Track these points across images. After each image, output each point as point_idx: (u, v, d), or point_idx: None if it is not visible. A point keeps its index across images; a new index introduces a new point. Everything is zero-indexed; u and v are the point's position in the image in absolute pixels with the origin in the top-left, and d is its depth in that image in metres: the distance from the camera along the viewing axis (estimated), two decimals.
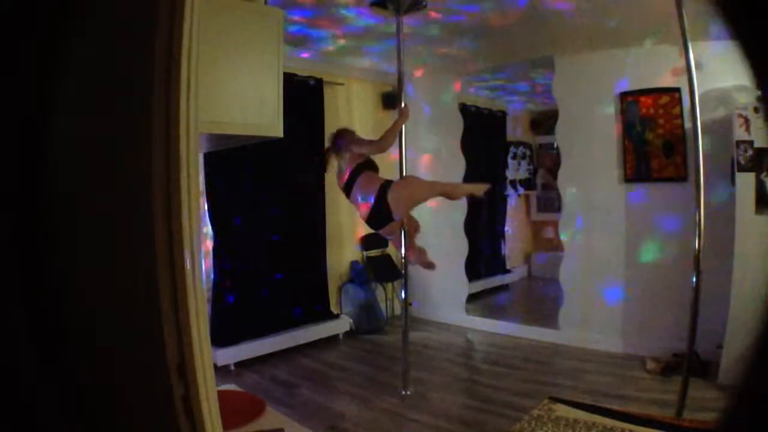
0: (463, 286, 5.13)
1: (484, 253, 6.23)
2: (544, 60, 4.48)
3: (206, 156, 3.72)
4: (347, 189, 3.14)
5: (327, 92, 4.66)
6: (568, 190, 4.30)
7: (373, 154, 3.23)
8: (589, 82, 4.13)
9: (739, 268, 3.13)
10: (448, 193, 3.22)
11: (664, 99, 3.77)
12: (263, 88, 1.40)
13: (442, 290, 5.18)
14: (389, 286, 5.17)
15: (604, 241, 4.10)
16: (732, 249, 3.17)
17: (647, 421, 1.93)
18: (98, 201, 0.82)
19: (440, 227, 5.00)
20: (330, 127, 4.72)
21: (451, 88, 5.07)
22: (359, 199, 3.09)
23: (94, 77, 0.81)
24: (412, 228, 3.29)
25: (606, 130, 4.06)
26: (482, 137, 6.05)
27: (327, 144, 3.34)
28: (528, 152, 7.31)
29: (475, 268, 5.67)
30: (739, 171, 3.15)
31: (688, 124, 3.59)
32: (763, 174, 3.10)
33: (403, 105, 3.24)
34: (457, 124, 5.07)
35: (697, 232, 2.37)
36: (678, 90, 3.67)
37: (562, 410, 2.06)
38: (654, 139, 3.84)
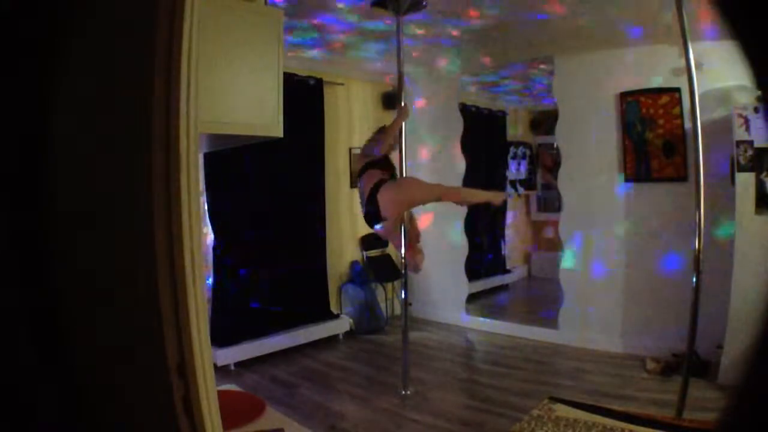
0: (463, 286, 5.13)
1: (484, 253, 6.23)
2: (544, 60, 4.48)
3: (206, 156, 3.72)
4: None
5: (327, 92, 4.66)
6: (568, 190, 4.31)
7: (373, 153, 3.25)
8: (589, 82, 4.13)
9: (739, 268, 3.13)
10: (460, 198, 3.21)
11: (664, 99, 3.77)
12: (263, 88, 1.40)
13: (442, 290, 5.18)
14: (389, 286, 5.17)
15: (604, 240, 4.10)
16: (732, 249, 3.17)
17: (647, 421, 1.93)
18: (98, 201, 0.82)
19: (440, 227, 5.00)
20: (330, 127, 4.74)
21: (451, 87, 5.07)
22: (360, 197, 3.11)
23: (94, 77, 0.81)
24: (412, 233, 3.29)
25: (606, 130, 4.06)
26: (482, 137, 6.05)
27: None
28: (528, 152, 7.31)
29: (475, 268, 5.67)
30: (739, 171, 3.15)
31: (688, 124, 3.59)
32: (763, 174, 3.11)
33: (402, 104, 3.24)
34: (457, 124, 5.07)
35: (697, 232, 2.37)
36: (678, 90, 3.67)
37: (562, 410, 2.06)
38: (654, 139, 3.84)
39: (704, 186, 2.36)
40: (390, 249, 5.09)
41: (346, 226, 5.01)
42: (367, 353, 4.28)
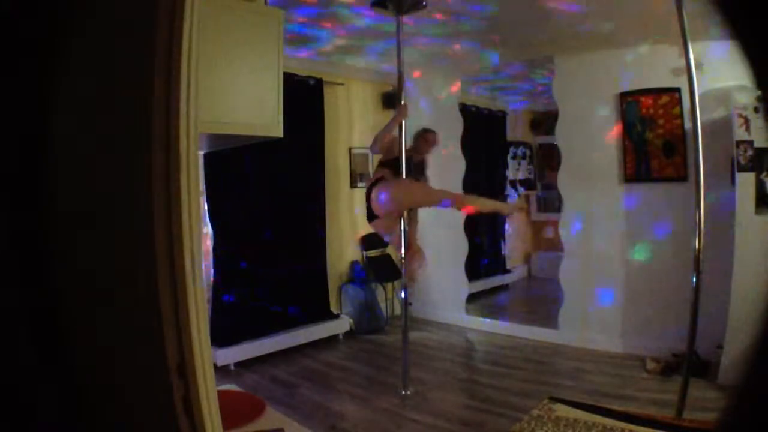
0: (463, 286, 5.13)
1: (484, 253, 6.23)
2: (544, 60, 4.48)
3: (206, 156, 3.72)
4: None
5: (327, 92, 4.66)
6: (568, 190, 4.31)
7: (373, 152, 3.34)
8: (589, 82, 4.13)
9: (739, 268, 3.13)
10: (463, 204, 3.23)
11: (664, 99, 3.77)
12: (263, 88, 1.40)
13: (442, 290, 5.18)
14: (389, 286, 5.17)
15: (604, 240, 4.10)
16: (732, 249, 3.17)
17: (647, 421, 1.93)
18: (98, 201, 0.82)
19: (440, 227, 5.00)
20: (330, 127, 4.74)
21: (451, 88, 5.07)
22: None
23: (94, 77, 0.81)
24: (411, 235, 3.30)
25: (606, 130, 4.06)
26: (482, 137, 6.05)
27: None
28: (528, 152, 7.31)
29: (475, 268, 5.67)
30: (739, 171, 3.15)
31: (688, 124, 3.59)
32: (763, 174, 3.11)
33: (402, 103, 3.24)
34: (457, 124, 5.07)
35: (697, 232, 2.37)
36: (678, 90, 3.67)
37: (562, 410, 2.06)
38: (654, 139, 3.84)
39: (704, 186, 2.36)
40: (390, 249, 5.09)
41: (346, 226, 5.01)
42: (367, 353, 4.28)
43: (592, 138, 4.14)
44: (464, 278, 5.12)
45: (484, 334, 4.74)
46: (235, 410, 1.46)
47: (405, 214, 3.26)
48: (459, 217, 5.03)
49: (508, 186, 6.96)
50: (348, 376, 3.78)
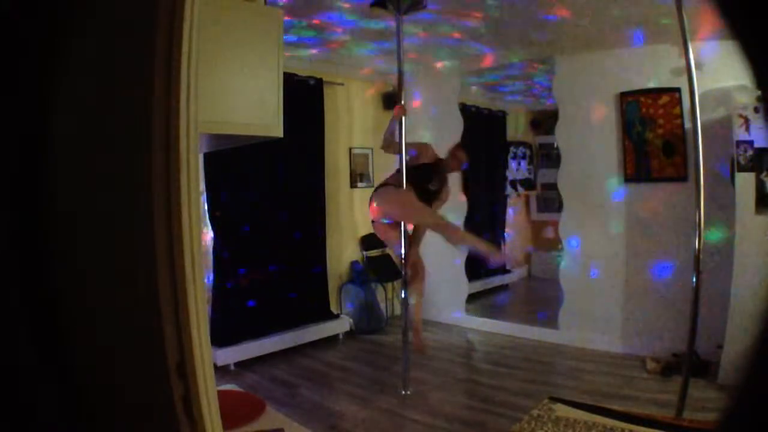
0: (463, 286, 5.13)
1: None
2: (544, 60, 4.48)
3: (206, 156, 3.72)
4: None
5: (327, 92, 4.66)
6: (568, 190, 4.31)
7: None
8: (589, 82, 4.13)
9: (739, 268, 3.13)
10: (442, 231, 3.24)
11: (664, 99, 3.77)
12: (263, 88, 1.40)
13: (442, 290, 5.18)
14: (389, 286, 5.17)
15: (604, 241, 4.10)
16: (732, 249, 3.17)
17: (647, 421, 1.93)
18: (98, 201, 0.82)
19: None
20: (330, 127, 4.74)
21: (451, 87, 5.07)
22: None
23: (94, 77, 0.81)
24: (411, 252, 3.31)
25: (606, 130, 4.06)
26: (482, 137, 6.05)
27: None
28: (528, 152, 7.31)
29: (475, 268, 5.67)
30: (739, 171, 3.15)
31: (688, 124, 3.59)
32: (763, 174, 3.10)
33: (402, 103, 3.24)
34: (457, 124, 5.07)
35: (697, 232, 2.37)
36: (678, 90, 3.67)
37: (562, 410, 2.06)
38: (654, 139, 3.84)
39: (704, 186, 2.36)
40: (390, 249, 5.09)
41: (346, 226, 5.01)
42: (367, 353, 4.28)
43: (592, 138, 4.14)
44: (464, 278, 5.12)
45: (484, 334, 4.74)
46: (235, 410, 1.46)
47: (411, 230, 3.29)
48: (459, 217, 5.03)
49: (508, 186, 6.96)
50: (348, 376, 3.78)
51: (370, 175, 5.19)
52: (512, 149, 7.04)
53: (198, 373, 0.76)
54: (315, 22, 3.51)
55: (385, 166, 5.19)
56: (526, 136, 7.36)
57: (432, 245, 4.61)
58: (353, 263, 5.01)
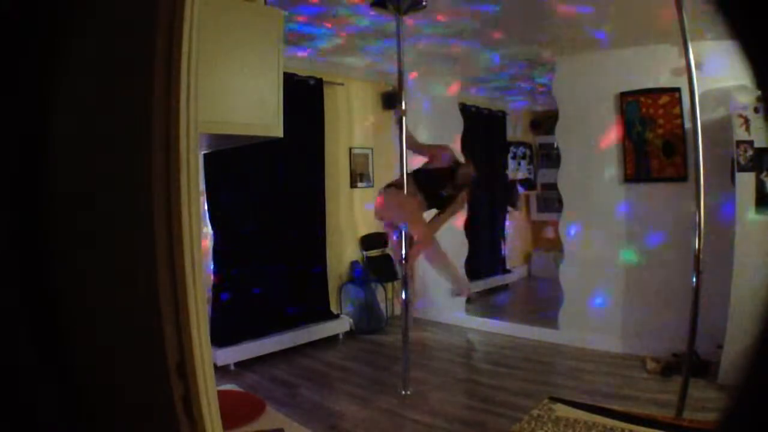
0: None
1: (484, 253, 6.23)
2: (544, 60, 4.48)
3: (206, 156, 3.72)
4: None
5: (327, 92, 4.66)
6: (568, 190, 4.31)
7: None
8: (589, 82, 4.13)
9: (739, 268, 3.13)
10: (427, 248, 3.27)
11: (664, 99, 3.77)
12: (263, 88, 1.40)
13: (442, 290, 5.17)
14: (389, 286, 5.17)
15: (604, 240, 4.10)
16: (732, 249, 3.17)
17: (647, 421, 1.93)
18: (98, 201, 0.82)
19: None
20: (330, 127, 4.75)
21: (450, 88, 5.07)
22: None
23: (94, 77, 0.81)
24: (410, 257, 3.32)
25: (606, 130, 4.06)
26: (482, 137, 6.05)
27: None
28: (528, 152, 7.32)
29: (475, 268, 5.67)
30: (739, 171, 3.15)
31: (688, 124, 3.59)
32: (763, 174, 3.11)
33: (403, 105, 3.24)
34: (457, 124, 5.07)
35: (697, 232, 2.37)
36: (678, 90, 3.67)
37: (562, 410, 2.06)
38: (654, 139, 3.84)
39: (704, 186, 2.36)
40: (390, 249, 5.09)
41: (346, 226, 5.01)
42: (367, 353, 4.28)
43: (592, 138, 4.14)
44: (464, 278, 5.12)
45: (484, 334, 4.74)
46: (235, 410, 1.46)
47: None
48: (459, 217, 5.03)
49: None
50: (348, 376, 3.78)
51: (370, 175, 5.19)
52: (512, 149, 7.04)
53: (198, 373, 0.76)
54: (316, 21, 3.51)
55: (385, 166, 5.19)
56: (526, 136, 7.36)
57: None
58: (353, 263, 5.01)
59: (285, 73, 1.50)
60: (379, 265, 5.08)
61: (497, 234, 6.65)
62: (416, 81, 5.19)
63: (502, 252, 6.75)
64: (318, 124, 4.58)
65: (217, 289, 3.95)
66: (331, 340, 4.51)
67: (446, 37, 3.96)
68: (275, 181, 4.29)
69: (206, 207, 3.90)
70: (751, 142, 3.12)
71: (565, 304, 4.32)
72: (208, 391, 0.78)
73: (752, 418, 0.38)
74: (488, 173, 6.28)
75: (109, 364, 0.83)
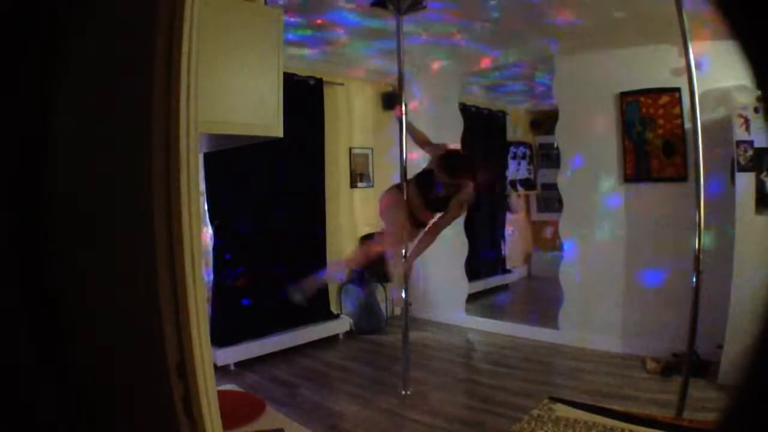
0: (463, 286, 5.12)
1: (484, 253, 6.23)
2: (544, 60, 4.48)
3: (206, 156, 3.72)
4: None
5: (327, 92, 4.66)
6: (568, 189, 4.30)
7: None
8: (589, 82, 4.13)
9: (739, 268, 3.13)
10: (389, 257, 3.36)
11: (664, 99, 3.77)
12: (263, 88, 1.40)
13: (442, 290, 5.18)
14: (389, 286, 5.16)
15: (603, 240, 4.10)
16: (732, 249, 3.17)
17: (647, 421, 1.93)
18: (98, 201, 0.82)
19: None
20: (330, 127, 4.75)
21: (451, 87, 5.07)
22: None
23: (94, 77, 0.81)
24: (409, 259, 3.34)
25: (606, 130, 4.06)
26: (482, 137, 6.05)
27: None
28: (528, 152, 7.32)
29: (475, 268, 5.67)
30: (739, 171, 3.15)
31: (688, 124, 3.59)
32: (763, 174, 3.10)
33: (403, 105, 3.25)
34: (457, 124, 5.07)
35: (697, 232, 2.37)
36: (678, 90, 3.67)
37: (562, 410, 2.06)
38: (654, 139, 3.84)
39: (704, 186, 2.36)
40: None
41: (346, 226, 5.01)
42: (367, 353, 4.28)
43: (592, 138, 4.14)
44: (464, 278, 5.12)
45: (484, 334, 4.74)
46: (235, 410, 1.46)
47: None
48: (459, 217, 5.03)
49: (508, 186, 6.96)
50: (348, 376, 3.78)
51: (370, 175, 5.19)
52: (512, 149, 7.04)
53: (198, 373, 0.76)
54: (316, 21, 3.51)
55: (385, 166, 5.19)
56: (526, 136, 7.36)
57: (432, 245, 4.61)
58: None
59: (285, 73, 1.50)
60: (379, 265, 5.07)
61: (497, 234, 6.64)
62: (416, 81, 5.19)
63: (502, 252, 6.75)
64: (318, 124, 4.58)
65: (217, 289, 3.95)
66: (331, 340, 4.51)
67: (446, 37, 3.96)
68: (275, 181, 4.29)
69: (206, 207, 3.90)
70: (751, 142, 3.11)
71: (565, 304, 4.31)
72: (208, 391, 0.78)
73: (752, 418, 0.38)
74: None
75: (109, 364, 0.83)
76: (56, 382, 0.82)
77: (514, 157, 7.08)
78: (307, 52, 4.27)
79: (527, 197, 7.45)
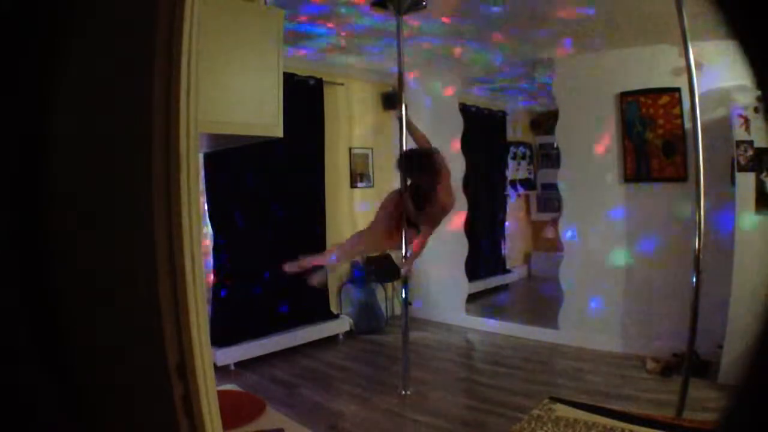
0: (463, 286, 5.12)
1: (484, 253, 6.23)
2: (544, 60, 4.48)
3: (206, 156, 3.72)
4: None
5: (327, 92, 4.66)
6: (568, 190, 4.31)
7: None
8: (589, 82, 4.13)
9: (739, 268, 3.13)
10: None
11: (664, 99, 3.77)
12: (263, 88, 1.40)
13: (442, 290, 5.18)
14: (389, 286, 5.17)
15: (604, 240, 4.10)
16: (732, 249, 3.17)
17: (647, 421, 1.93)
18: (98, 201, 0.82)
19: (440, 227, 4.99)
20: (330, 127, 4.75)
21: (450, 87, 5.07)
22: None
23: (94, 77, 0.81)
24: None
25: (606, 130, 4.06)
26: (482, 137, 6.05)
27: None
28: (528, 152, 7.32)
29: (475, 268, 5.67)
30: (739, 171, 3.15)
31: (688, 124, 3.59)
32: (763, 174, 3.11)
33: (403, 105, 3.24)
34: (457, 124, 5.07)
35: (697, 232, 2.37)
36: (678, 90, 3.67)
37: (562, 410, 2.05)
38: (654, 139, 3.84)
39: (704, 186, 2.36)
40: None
41: (346, 226, 5.00)
42: (367, 353, 4.28)
43: (592, 138, 4.14)
44: (464, 278, 5.12)
45: (484, 334, 4.74)
46: (235, 410, 1.46)
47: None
48: (459, 217, 5.04)
49: (508, 186, 6.96)
50: (348, 376, 3.78)
51: (370, 175, 5.19)
52: (512, 149, 7.04)
53: (198, 373, 0.76)
54: (316, 21, 3.51)
55: (385, 166, 5.19)
56: (526, 136, 7.36)
57: (433, 246, 4.61)
58: (353, 263, 5.00)
59: (285, 73, 1.50)
60: (379, 265, 5.08)
61: (497, 234, 6.64)
62: (416, 81, 5.19)
63: (502, 252, 6.75)
64: (318, 124, 4.58)
65: (217, 288, 3.95)
66: (331, 340, 4.51)
67: (446, 37, 3.96)
68: (275, 181, 4.29)
69: (206, 207, 3.90)
70: (751, 142, 3.12)
71: (565, 304, 4.32)
72: (208, 391, 0.78)
73: (752, 418, 0.38)
74: (488, 173, 6.29)
75: (109, 364, 0.83)
76: (56, 382, 0.82)
77: (514, 157, 7.08)
78: (307, 52, 4.27)
79: (527, 197, 7.45)
